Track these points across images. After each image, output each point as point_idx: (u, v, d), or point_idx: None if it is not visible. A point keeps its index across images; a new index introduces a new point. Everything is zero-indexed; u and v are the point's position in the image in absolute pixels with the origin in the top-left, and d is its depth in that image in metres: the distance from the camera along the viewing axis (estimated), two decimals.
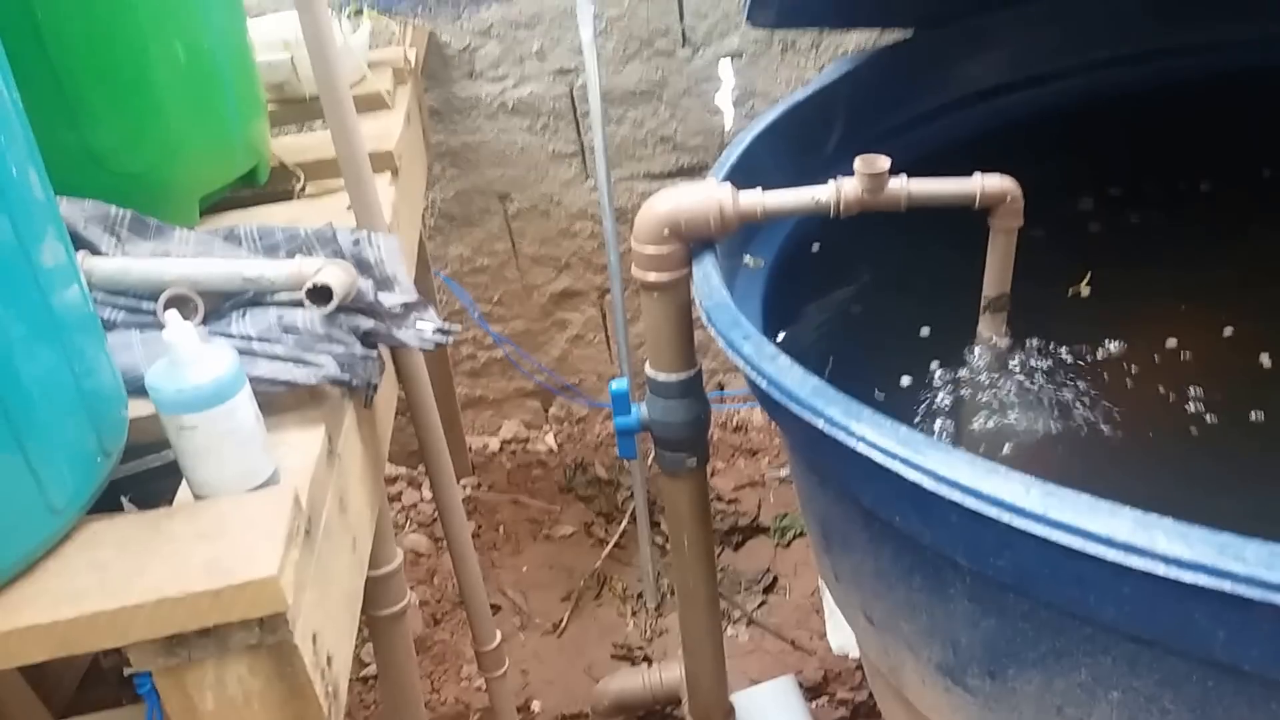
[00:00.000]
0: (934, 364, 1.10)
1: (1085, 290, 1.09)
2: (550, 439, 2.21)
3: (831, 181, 0.99)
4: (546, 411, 2.27)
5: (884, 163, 0.96)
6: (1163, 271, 1.20)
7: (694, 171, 2.05)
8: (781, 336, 1.19)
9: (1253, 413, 1.00)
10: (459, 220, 2.08)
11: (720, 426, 2.21)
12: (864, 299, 1.25)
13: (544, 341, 2.19)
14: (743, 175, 1.11)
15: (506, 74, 1.98)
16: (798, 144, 1.27)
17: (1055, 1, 1.45)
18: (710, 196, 1.01)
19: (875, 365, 1.14)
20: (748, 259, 1.15)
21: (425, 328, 0.97)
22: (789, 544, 1.95)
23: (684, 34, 1.98)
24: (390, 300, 0.97)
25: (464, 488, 2.10)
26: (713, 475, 2.09)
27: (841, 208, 0.99)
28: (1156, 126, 1.39)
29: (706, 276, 0.99)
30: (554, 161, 2.04)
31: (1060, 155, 1.38)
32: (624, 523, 2.02)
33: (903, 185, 0.97)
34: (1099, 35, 1.46)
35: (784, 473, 2.10)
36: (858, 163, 0.97)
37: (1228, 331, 1.11)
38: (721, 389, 2.31)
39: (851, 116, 1.32)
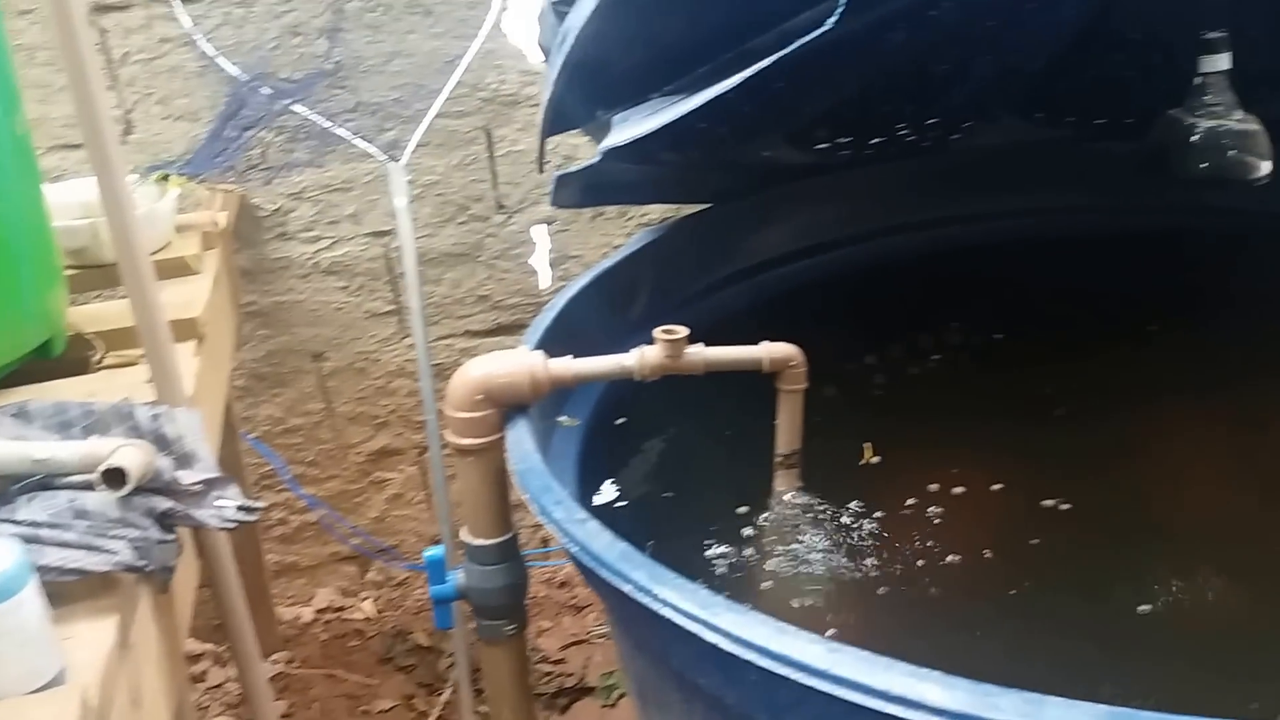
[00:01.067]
0: (738, 517, 1.15)
1: (873, 458, 1.18)
2: (368, 606, 2.13)
3: (635, 349, 1.06)
4: (364, 576, 2.19)
5: (682, 332, 1.03)
6: (942, 422, 1.31)
7: (513, 329, 2.09)
8: (608, 490, 1.23)
9: (1028, 556, 1.08)
10: (270, 381, 2.04)
11: (545, 583, 2.19)
12: (675, 453, 1.31)
13: (361, 503, 2.14)
14: (556, 339, 1.16)
15: (320, 236, 2.00)
16: (607, 308, 1.34)
17: (835, 179, 1.60)
18: (522, 364, 1.05)
19: (685, 518, 1.19)
20: (563, 418, 1.19)
21: (227, 506, 0.94)
22: (615, 704, 1.93)
23: (498, 200, 2.06)
24: (190, 478, 0.94)
25: (274, 664, 1.99)
26: (539, 635, 2.06)
27: (644, 373, 1.05)
28: (932, 287, 1.54)
29: (519, 441, 1.02)
30: (371, 320, 2.05)
31: (847, 315, 1.51)
32: (446, 694, 1.96)
33: (699, 352, 1.04)
34: (875, 209, 1.61)
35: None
36: (657, 332, 1.04)
37: (998, 484, 1.21)
38: (546, 544, 2.30)
39: (656, 282, 1.40)
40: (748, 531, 1.12)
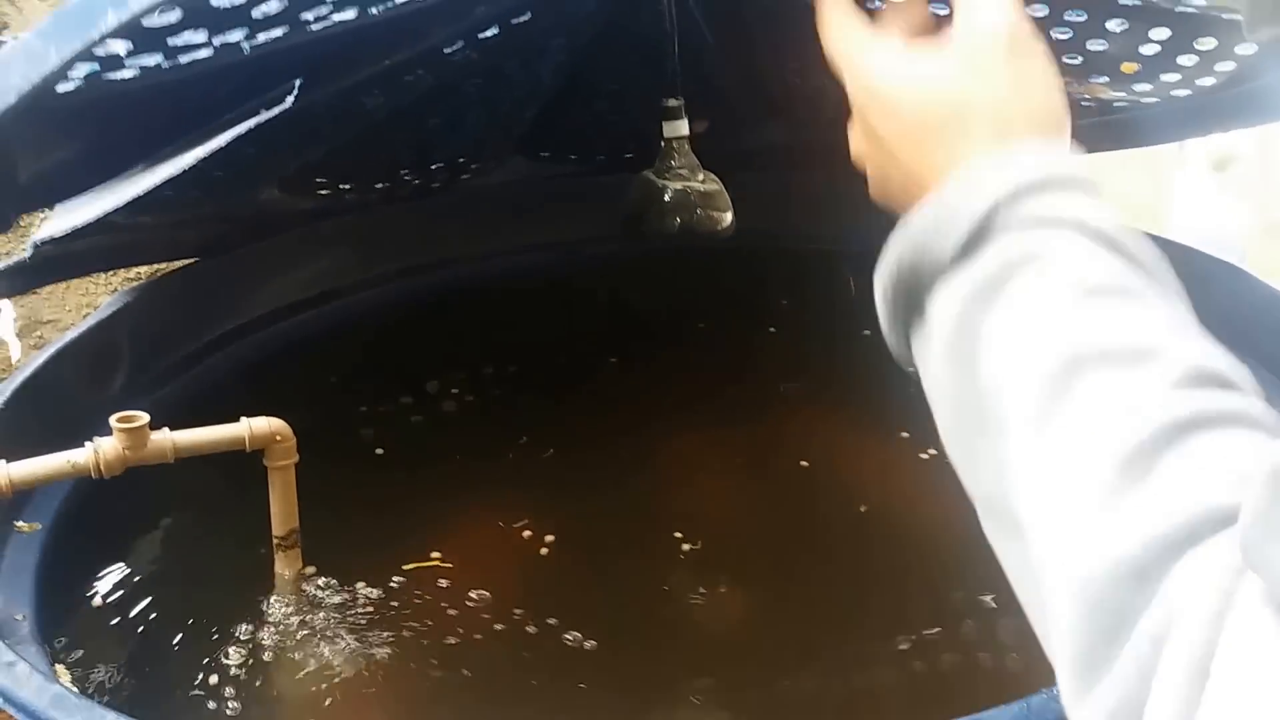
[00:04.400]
0: (242, 611, 1.05)
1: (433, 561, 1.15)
2: None
3: (89, 443, 0.93)
4: None
5: (143, 418, 0.92)
6: (449, 470, 1.30)
7: None
8: (83, 603, 1.08)
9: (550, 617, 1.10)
10: None
11: None
12: (166, 546, 1.18)
13: None
14: (15, 429, 1.01)
15: None
16: (83, 385, 1.18)
17: (340, 223, 1.53)
18: None
19: (179, 619, 1.07)
20: (20, 523, 1.03)
21: None
22: None
23: None
24: None
25: None
26: None
27: (103, 468, 0.92)
28: (444, 329, 1.53)
29: None
30: None
31: (359, 367, 1.45)
32: None
33: (167, 438, 0.93)
34: (386, 252, 1.57)
35: None
36: (114, 420, 0.92)
37: (522, 530, 1.22)
38: None
39: (138, 348, 1.25)
40: (252, 627, 1.03)
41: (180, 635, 1.04)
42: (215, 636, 1.03)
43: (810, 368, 1.49)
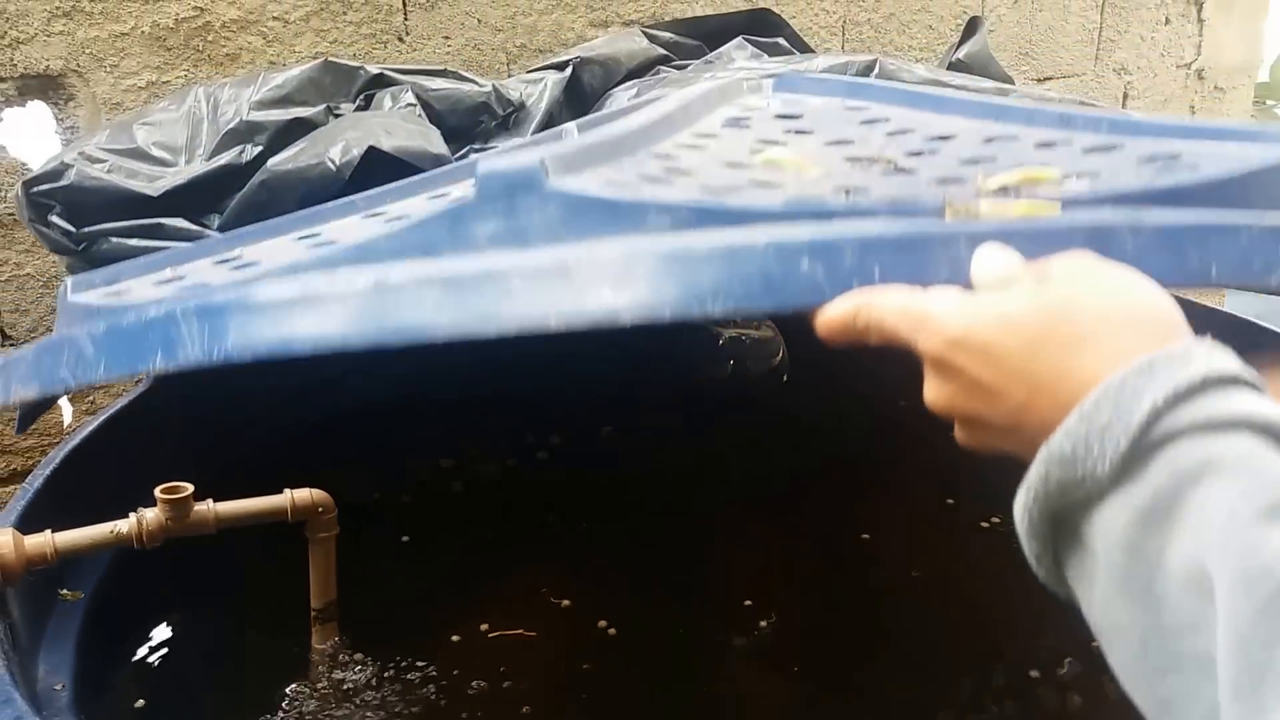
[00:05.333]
0: (274, 683, 1.04)
1: None
2: None
3: (133, 514, 0.93)
4: None
5: (187, 489, 0.92)
6: (488, 552, 1.28)
7: None
8: (123, 672, 1.07)
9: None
10: None
11: None
12: (209, 615, 1.17)
13: None
14: (64, 497, 1.01)
15: None
16: (127, 453, 1.18)
17: None
18: None
19: (210, 687, 1.06)
20: (64, 592, 1.03)
21: None
22: None
23: (3, 331, 1.79)
24: None
25: None
26: None
27: (145, 539, 0.92)
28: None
29: None
30: None
31: (393, 437, 1.44)
32: None
33: (210, 509, 0.93)
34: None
35: None
36: (159, 491, 0.92)
37: (565, 603, 1.20)
38: None
39: (183, 418, 1.26)
40: (288, 701, 1.02)
41: (215, 707, 1.03)
42: (251, 709, 1.01)
43: (853, 440, 1.47)
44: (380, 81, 1.31)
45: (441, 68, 1.38)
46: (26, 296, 1.78)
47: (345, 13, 2.00)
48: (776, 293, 0.49)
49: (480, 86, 1.34)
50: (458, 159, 1.29)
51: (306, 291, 0.52)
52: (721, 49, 1.67)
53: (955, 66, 1.74)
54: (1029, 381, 0.51)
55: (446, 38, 2.11)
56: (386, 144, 1.11)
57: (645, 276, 0.48)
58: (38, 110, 1.82)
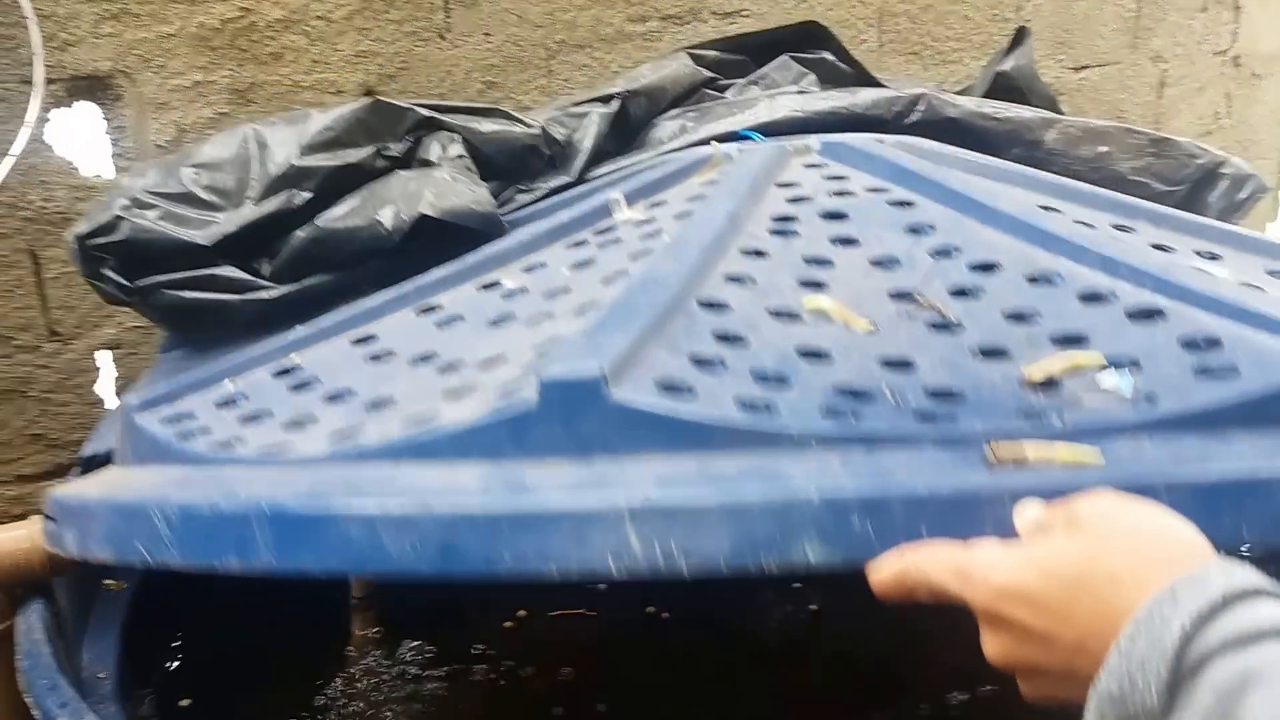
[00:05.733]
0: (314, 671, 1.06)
1: None
2: None
3: None
4: None
5: None
6: None
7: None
8: (167, 658, 1.09)
9: None
10: None
11: None
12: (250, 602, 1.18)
13: None
14: None
15: None
16: None
17: None
18: (35, 539, 0.94)
19: (248, 675, 1.08)
20: (109, 581, 1.08)
21: None
22: None
23: (50, 327, 1.84)
24: None
25: None
26: None
27: None
28: None
29: (29, 630, 0.92)
30: None
31: None
32: None
33: None
34: None
35: None
36: None
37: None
38: None
39: None
40: (329, 691, 1.06)
41: (255, 697, 1.06)
42: (290, 698, 1.05)
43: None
44: (429, 124, 1.32)
45: (491, 106, 1.38)
46: (73, 294, 1.82)
47: (387, 10, 1.99)
48: (829, 546, 0.51)
49: (529, 128, 1.34)
50: (502, 203, 1.31)
51: (382, 509, 0.55)
52: (765, 68, 1.66)
53: (1001, 79, 1.72)
54: (1076, 624, 0.53)
55: (487, 34, 2.10)
56: (435, 210, 1.13)
57: (703, 529, 0.51)
58: (86, 111, 1.85)
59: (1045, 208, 0.97)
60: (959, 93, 1.73)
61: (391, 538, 0.53)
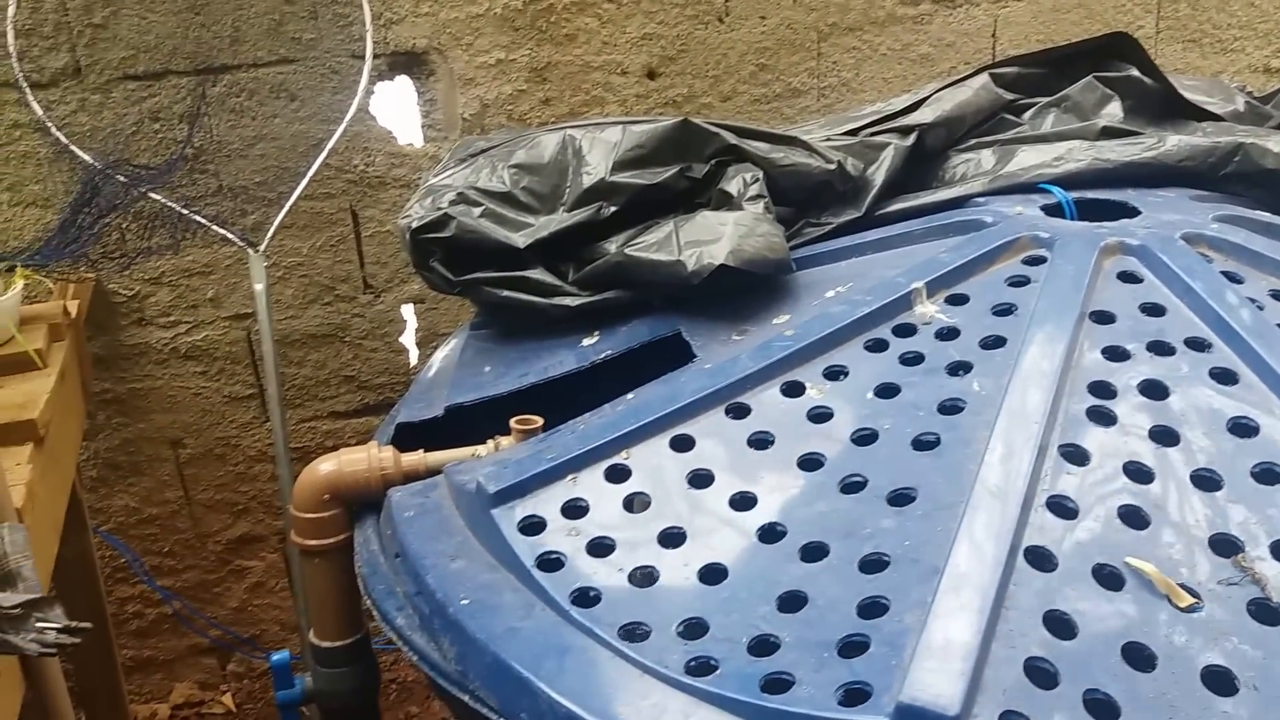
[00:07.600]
0: None
1: None
2: (228, 700, 2.14)
3: (490, 440, 1.06)
4: (224, 669, 2.19)
5: (537, 422, 1.04)
6: None
7: (380, 409, 2.10)
8: None
9: None
10: (124, 470, 2.00)
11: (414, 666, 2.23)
12: None
13: (220, 593, 2.13)
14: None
15: (179, 320, 1.95)
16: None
17: None
18: (373, 461, 1.03)
19: None
20: None
21: (48, 629, 0.92)
22: None
23: (365, 280, 2.04)
24: (9, 600, 0.92)
25: None
26: None
27: None
28: None
29: (367, 542, 1.01)
30: (230, 405, 2.03)
31: None
32: None
33: None
34: None
35: None
36: (514, 422, 1.05)
37: None
38: None
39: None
40: None
41: None
42: None
43: None
44: (732, 151, 1.37)
45: (790, 134, 1.42)
46: (385, 250, 2.02)
47: None
48: None
49: (826, 164, 1.37)
50: (791, 236, 1.35)
51: None
52: (1068, 90, 1.59)
53: None
54: None
55: (763, 18, 2.11)
56: (734, 260, 1.19)
57: None
58: (403, 84, 2.01)
59: None
60: (1265, 100, 1.59)
61: None
